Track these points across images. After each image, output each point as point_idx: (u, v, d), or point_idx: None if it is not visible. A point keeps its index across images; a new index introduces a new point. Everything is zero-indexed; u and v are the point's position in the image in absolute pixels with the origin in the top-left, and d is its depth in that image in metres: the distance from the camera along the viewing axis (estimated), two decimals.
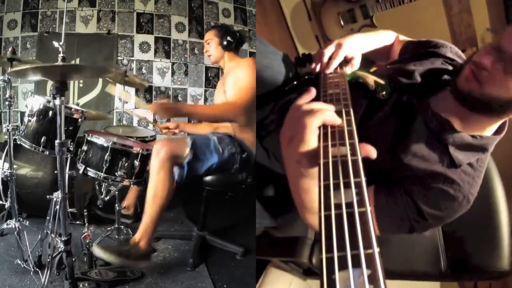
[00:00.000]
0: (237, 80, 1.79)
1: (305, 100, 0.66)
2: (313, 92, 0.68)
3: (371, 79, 0.96)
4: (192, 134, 1.77)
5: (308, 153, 0.58)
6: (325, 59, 0.98)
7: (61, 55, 1.26)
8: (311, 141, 0.58)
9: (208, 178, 1.75)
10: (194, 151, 1.65)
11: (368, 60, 1.17)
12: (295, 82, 1.13)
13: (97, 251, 1.47)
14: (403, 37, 1.23)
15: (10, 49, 1.70)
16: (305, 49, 3.00)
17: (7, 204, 1.72)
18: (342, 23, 2.69)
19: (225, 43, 1.90)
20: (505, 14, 2.21)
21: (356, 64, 1.01)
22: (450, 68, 0.98)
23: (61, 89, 1.28)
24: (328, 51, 0.99)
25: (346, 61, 1.01)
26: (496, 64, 0.75)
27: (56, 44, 1.26)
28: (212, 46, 1.95)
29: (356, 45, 1.02)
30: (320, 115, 0.58)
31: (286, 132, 0.64)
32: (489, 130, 0.87)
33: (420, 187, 0.85)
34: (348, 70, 0.99)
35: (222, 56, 1.95)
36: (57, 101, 1.27)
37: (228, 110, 1.72)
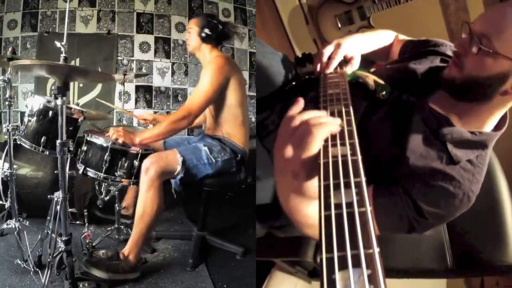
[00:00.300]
0: (200, 80, 1.76)
1: (296, 111, 0.63)
2: (301, 102, 0.65)
3: (371, 79, 0.97)
4: (181, 148, 1.71)
5: (309, 164, 0.56)
6: (324, 58, 0.98)
7: (63, 55, 1.26)
8: (314, 152, 0.56)
9: (208, 179, 1.75)
10: (185, 167, 1.64)
11: (368, 60, 1.17)
12: (295, 82, 1.13)
13: (87, 267, 1.46)
14: (402, 37, 1.23)
15: (10, 49, 1.70)
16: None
17: (7, 204, 1.72)
18: (339, 25, 2.69)
19: (203, 34, 1.82)
20: None
21: (355, 64, 1.01)
22: None
23: (63, 89, 1.28)
24: (327, 51, 0.99)
25: (346, 61, 1.01)
26: (470, 47, 0.80)
27: (58, 44, 1.26)
28: (192, 35, 1.87)
29: (355, 45, 1.03)
30: (327, 127, 0.56)
31: (282, 145, 0.60)
32: (488, 125, 0.87)
33: (419, 185, 0.85)
34: (348, 70, 0.99)
35: (199, 47, 1.87)
36: (59, 101, 1.27)
37: (178, 121, 1.65)
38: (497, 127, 0.88)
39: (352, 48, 1.01)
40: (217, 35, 1.84)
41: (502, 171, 1.20)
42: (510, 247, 1.11)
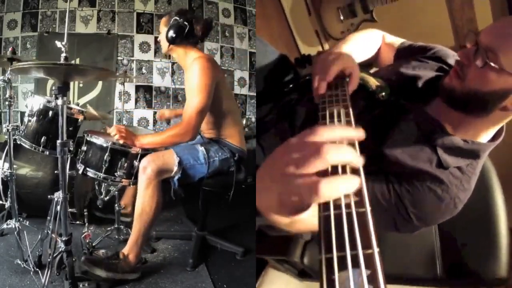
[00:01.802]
0: (190, 88, 1.66)
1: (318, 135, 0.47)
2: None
3: (371, 80, 0.97)
4: (179, 148, 1.68)
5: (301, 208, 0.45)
6: (317, 83, 0.89)
7: (63, 54, 1.26)
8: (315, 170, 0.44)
9: (207, 180, 1.75)
10: (182, 167, 1.63)
11: (367, 62, 1.17)
12: (294, 83, 1.13)
13: (86, 265, 1.46)
14: (390, 39, 1.21)
15: (10, 49, 1.70)
16: (305, 44, 2.96)
17: (7, 204, 1.72)
18: (342, 17, 2.65)
19: (168, 36, 1.69)
20: (508, 7, 2.20)
21: (355, 77, 0.97)
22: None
23: (63, 89, 1.28)
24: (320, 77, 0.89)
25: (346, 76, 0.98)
26: (474, 59, 0.77)
27: (59, 44, 1.26)
28: (161, 37, 1.75)
29: (350, 60, 0.95)
30: (340, 186, 0.43)
31: (288, 157, 0.47)
32: (484, 137, 0.86)
33: (406, 183, 0.85)
34: (350, 88, 0.94)
35: (171, 49, 1.75)
36: (59, 101, 1.27)
37: (179, 135, 1.62)
38: (493, 138, 0.87)
39: (348, 64, 0.92)
40: (185, 36, 1.69)
41: (498, 181, 1.18)
42: (503, 258, 1.09)
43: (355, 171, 0.45)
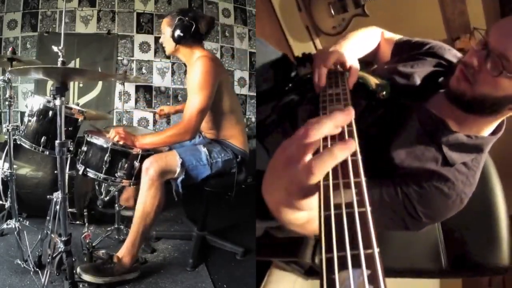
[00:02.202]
0: (192, 87, 1.65)
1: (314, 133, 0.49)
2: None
3: (371, 79, 0.96)
4: (181, 149, 1.69)
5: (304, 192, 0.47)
6: (318, 78, 0.91)
7: (60, 59, 1.26)
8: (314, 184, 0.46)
9: (209, 180, 1.75)
10: (185, 168, 1.63)
11: (367, 61, 1.17)
12: (294, 82, 1.13)
13: (82, 274, 1.45)
14: (388, 34, 1.21)
15: (10, 49, 1.70)
16: (296, 41, 2.94)
17: (7, 204, 1.72)
18: (333, 12, 2.62)
19: (175, 36, 1.68)
20: (499, 1, 2.20)
21: (355, 71, 0.98)
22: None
23: (62, 89, 1.28)
24: (322, 70, 0.91)
25: (345, 70, 0.98)
26: (484, 63, 0.76)
27: (55, 49, 1.26)
28: (165, 37, 1.74)
29: (350, 54, 0.97)
30: (333, 161, 0.45)
31: (285, 153, 0.50)
32: (486, 131, 0.87)
33: (414, 185, 0.85)
34: (350, 82, 0.94)
35: (176, 50, 1.74)
36: (57, 102, 1.27)
37: (179, 135, 1.61)
38: (494, 131, 0.88)
39: (348, 58, 0.94)
40: (192, 35, 1.69)
41: (497, 173, 1.21)
42: (504, 249, 1.13)
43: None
